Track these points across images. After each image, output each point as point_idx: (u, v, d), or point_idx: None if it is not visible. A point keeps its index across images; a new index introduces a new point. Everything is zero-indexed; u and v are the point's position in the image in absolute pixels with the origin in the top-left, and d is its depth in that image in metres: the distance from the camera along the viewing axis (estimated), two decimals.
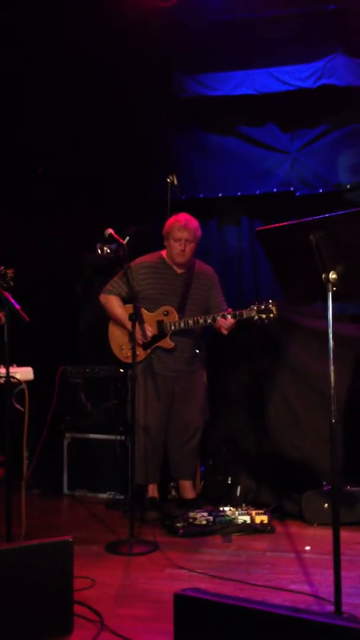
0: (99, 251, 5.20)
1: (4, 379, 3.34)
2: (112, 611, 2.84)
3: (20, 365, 3.58)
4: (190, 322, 4.18)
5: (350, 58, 5.07)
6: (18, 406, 3.47)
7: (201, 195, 5.63)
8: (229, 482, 4.42)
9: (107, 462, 4.77)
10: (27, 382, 3.56)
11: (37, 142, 5.45)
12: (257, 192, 5.51)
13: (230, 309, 4.14)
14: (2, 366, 3.38)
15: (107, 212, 5.33)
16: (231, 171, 5.58)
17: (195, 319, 4.16)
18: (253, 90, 5.31)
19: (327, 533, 3.61)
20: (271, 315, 4.00)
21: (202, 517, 3.94)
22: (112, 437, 4.78)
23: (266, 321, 4.03)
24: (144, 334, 3.99)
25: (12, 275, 3.27)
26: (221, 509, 4.01)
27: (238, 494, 4.36)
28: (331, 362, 2.71)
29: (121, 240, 3.89)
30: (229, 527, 3.91)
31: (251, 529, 3.91)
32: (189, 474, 4.44)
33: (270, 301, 4.03)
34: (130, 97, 5.51)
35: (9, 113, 5.21)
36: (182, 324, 4.20)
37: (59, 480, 4.92)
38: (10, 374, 3.35)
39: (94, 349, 4.94)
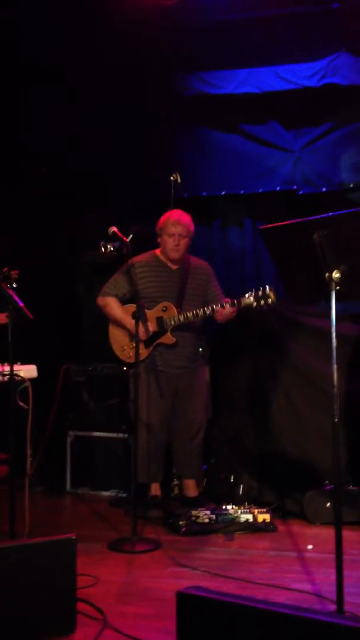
0: (103, 249, 5.20)
1: (8, 376, 3.35)
2: (114, 609, 2.85)
3: (24, 363, 3.58)
4: (190, 315, 4.18)
5: (354, 57, 5.07)
6: (22, 404, 3.47)
7: (204, 194, 5.63)
8: (232, 480, 4.42)
9: (110, 460, 4.78)
10: (31, 380, 3.56)
11: (39, 141, 5.46)
12: (260, 191, 5.51)
13: (228, 299, 4.14)
14: (6, 364, 3.39)
15: (108, 211, 5.33)
16: (234, 169, 5.58)
17: (195, 311, 4.17)
18: (256, 88, 5.31)
19: (329, 532, 3.61)
20: (269, 300, 3.99)
21: (204, 515, 3.95)
22: (115, 435, 4.79)
23: (265, 307, 4.01)
24: (146, 331, 4.00)
25: (16, 276, 3.28)
26: (223, 507, 4.01)
27: (240, 492, 4.36)
28: (334, 361, 2.71)
29: (125, 238, 3.89)
30: (232, 526, 3.92)
31: (253, 527, 3.92)
32: (194, 472, 4.44)
33: (267, 287, 4.02)
34: (132, 95, 5.51)
35: (10, 112, 5.21)
36: (181, 318, 4.20)
37: (62, 478, 4.93)
38: (14, 372, 3.36)
39: (97, 347, 4.94)
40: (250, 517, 3.94)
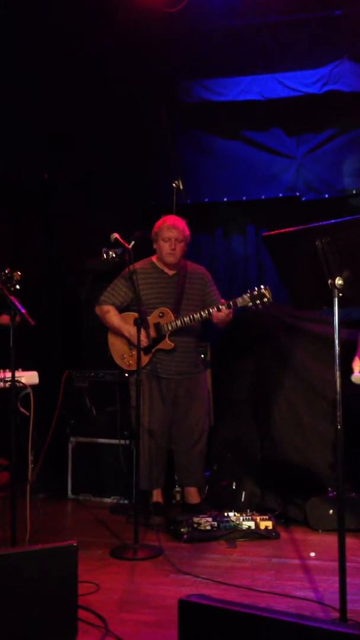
0: (105, 256, 5.20)
1: (9, 383, 3.35)
2: (116, 616, 2.84)
3: (25, 369, 3.58)
4: (187, 319, 4.18)
5: (356, 64, 5.08)
6: (23, 410, 3.47)
7: (206, 200, 5.63)
8: (234, 487, 4.41)
9: (112, 467, 4.76)
10: (33, 386, 3.56)
11: (39, 142, 5.46)
12: (263, 197, 5.51)
13: (224, 300, 4.13)
14: (7, 370, 3.38)
15: (110, 217, 5.34)
16: (236, 176, 5.59)
17: (191, 315, 4.16)
18: (259, 95, 5.32)
19: (332, 539, 3.60)
20: (265, 299, 3.99)
21: (206, 522, 3.94)
22: (116, 441, 4.78)
23: (261, 306, 4.02)
24: (147, 337, 4.00)
25: (18, 278, 3.27)
26: (225, 514, 4.00)
27: (243, 499, 4.35)
28: (337, 367, 2.70)
29: (127, 245, 3.90)
30: (234, 533, 3.90)
31: (256, 534, 3.90)
32: (196, 480, 4.42)
33: (262, 286, 4.02)
34: (134, 102, 5.52)
35: (10, 112, 5.22)
36: (178, 323, 4.20)
37: (63, 485, 4.92)
38: (16, 378, 3.36)
39: (99, 353, 4.93)
40: (252, 524, 3.93)
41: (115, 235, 3.89)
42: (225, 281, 5.48)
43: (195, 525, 3.93)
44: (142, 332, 3.86)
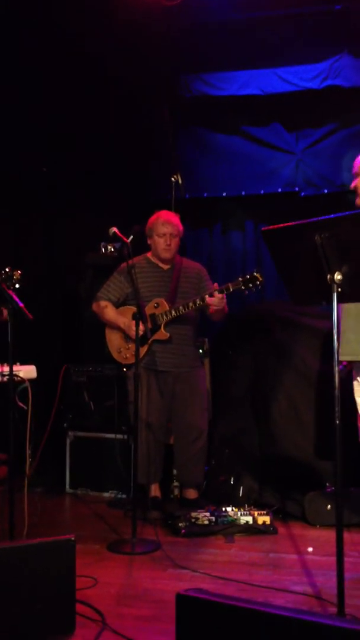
0: (103, 250, 5.20)
1: (7, 377, 3.34)
2: (113, 610, 2.84)
3: (23, 363, 3.58)
4: (181, 308, 4.18)
5: (356, 59, 5.07)
6: (21, 404, 3.47)
7: (205, 195, 5.63)
8: (232, 482, 4.41)
9: (110, 461, 4.76)
10: (31, 381, 3.56)
11: (39, 142, 5.46)
12: (262, 192, 5.51)
13: (215, 284, 4.11)
14: (5, 364, 3.38)
15: (109, 212, 5.34)
16: (236, 171, 5.58)
17: (185, 303, 4.16)
18: (258, 90, 5.31)
19: (330, 534, 3.61)
20: (257, 282, 3.97)
21: (204, 517, 3.94)
22: (114, 436, 4.78)
23: (254, 289, 4.00)
24: (145, 328, 4.01)
25: (18, 276, 3.27)
26: (223, 509, 4.00)
27: (241, 494, 4.35)
28: (336, 363, 2.70)
29: (125, 239, 3.89)
30: (231, 528, 3.90)
31: (253, 529, 3.91)
32: (195, 479, 4.40)
33: (254, 270, 4.01)
34: (133, 96, 5.51)
35: (10, 112, 5.21)
36: (173, 313, 4.20)
37: (61, 479, 4.92)
38: (14, 372, 3.35)
39: (97, 347, 4.93)
40: (250, 519, 3.93)
41: (114, 229, 3.88)
42: (223, 275, 5.47)
43: (193, 520, 3.93)
44: (132, 325, 3.86)
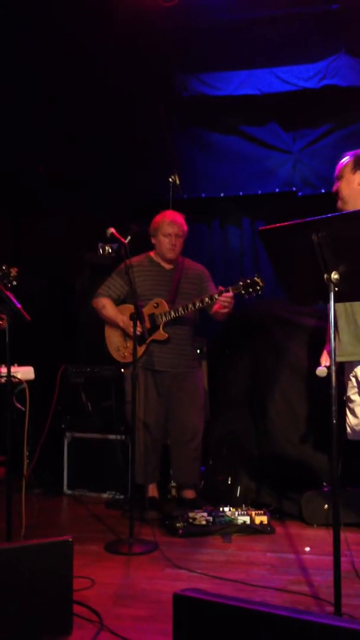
0: (101, 250, 5.20)
1: (5, 378, 3.34)
2: (111, 611, 2.83)
3: (21, 364, 3.58)
4: (181, 309, 4.18)
5: (354, 58, 5.06)
6: (19, 405, 3.47)
7: (203, 195, 5.63)
8: (229, 482, 4.41)
9: (107, 462, 4.76)
10: (28, 382, 3.56)
11: (37, 141, 5.45)
12: (259, 192, 5.51)
13: (220, 287, 4.11)
14: (3, 365, 3.38)
15: (107, 211, 5.33)
16: (233, 171, 5.58)
17: (185, 305, 4.16)
18: (256, 90, 5.30)
19: (327, 534, 3.61)
20: (257, 287, 3.98)
21: (201, 517, 3.94)
22: (112, 436, 4.78)
23: (254, 295, 4.01)
24: (143, 330, 4.01)
25: (15, 274, 3.26)
26: (221, 509, 4.00)
27: (238, 494, 4.35)
28: (333, 362, 2.70)
29: (123, 240, 3.89)
30: (229, 528, 3.91)
31: (251, 529, 3.91)
32: (192, 480, 4.41)
33: (255, 275, 4.02)
34: (131, 96, 5.50)
35: (9, 111, 5.21)
36: (172, 314, 4.20)
37: (59, 480, 4.91)
38: (12, 374, 3.35)
39: (95, 348, 4.93)
40: (247, 518, 3.93)
41: (112, 230, 3.88)
42: (221, 276, 5.47)
43: (190, 520, 3.93)
44: (138, 324, 3.86)
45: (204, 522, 3.92)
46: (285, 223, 2.77)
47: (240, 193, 5.57)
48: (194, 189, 5.58)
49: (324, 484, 4.12)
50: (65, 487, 4.90)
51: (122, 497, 4.63)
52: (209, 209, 5.72)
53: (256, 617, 1.99)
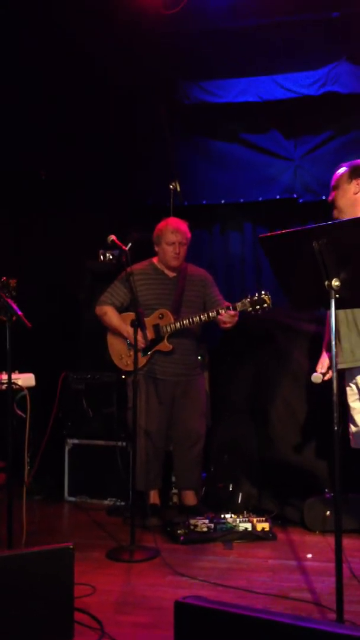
0: (102, 257, 5.21)
1: (6, 385, 3.34)
2: (112, 618, 2.83)
3: (22, 371, 3.58)
4: (186, 322, 4.18)
5: (355, 65, 5.07)
6: (20, 412, 3.47)
7: (204, 202, 5.64)
8: (231, 489, 4.40)
9: (109, 469, 4.75)
10: (29, 388, 3.56)
11: (38, 148, 5.47)
12: (260, 199, 5.52)
13: (227, 303, 4.13)
14: (4, 372, 3.38)
15: (107, 217, 5.34)
16: (234, 178, 5.59)
17: (191, 318, 4.17)
18: (256, 97, 5.31)
19: (329, 540, 3.61)
20: (265, 305, 4.00)
21: (203, 524, 3.93)
22: (113, 443, 4.77)
23: (260, 312, 4.02)
24: (144, 338, 4.01)
25: (14, 285, 3.28)
26: (222, 516, 3.99)
27: (239, 500, 4.34)
28: (334, 368, 2.70)
29: (123, 247, 3.89)
30: (230, 534, 3.90)
31: (252, 536, 3.90)
32: (193, 483, 4.42)
33: (262, 292, 4.03)
34: (131, 98, 5.52)
35: (9, 112, 5.22)
36: (177, 325, 4.20)
37: (60, 486, 4.91)
38: (12, 380, 3.35)
39: (96, 355, 4.94)
40: (249, 525, 3.92)
41: (112, 237, 3.88)
42: (222, 282, 5.47)
43: (192, 527, 3.92)
44: (139, 333, 3.86)
45: (205, 529, 3.92)
46: (286, 230, 2.78)
47: (241, 200, 5.58)
48: (195, 196, 5.59)
49: (326, 490, 4.12)
50: (66, 494, 4.89)
51: (123, 503, 4.62)
52: (210, 216, 5.73)
53: (258, 624, 1.98)
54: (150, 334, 4.22)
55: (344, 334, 3.38)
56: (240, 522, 3.94)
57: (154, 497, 4.38)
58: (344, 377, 3.51)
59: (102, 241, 4.08)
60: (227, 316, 4.07)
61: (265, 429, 4.48)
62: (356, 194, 3.44)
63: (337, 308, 2.67)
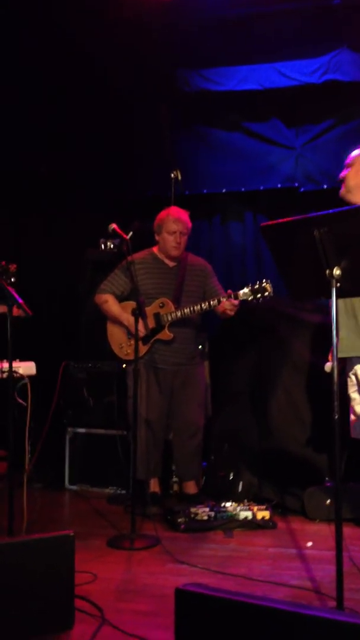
0: (102, 246, 5.20)
1: (6, 373, 3.34)
2: (113, 606, 2.84)
3: (23, 359, 3.58)
4: (187, 310, 4.18)
5: (356, 53, 5.04)
6: (20, 401, 3.47)
7: (205, 191, 5.61)
8: (231, 477, 4.42)
9: (109, 457, 4.77)
10: (30, 377, 3.56)
11: (38, 138, 5.45)
12: (261, 188, 5.50)
13: (229, 290, 4.12)
14: (5, 361, 3.38)
15: (108, 207, 5.33)
16: (235, 167, 5.56)
17: (191, 307, 4.16)
18: (258, 85, 5.28)
19: (329, 529, 3.62)
20: (265, 293, 3.99)
21: (203, 512, 3.94)
22: (114, 432, 4.78)
23: (261, 300, 4.02)
24: (145, 327, 4.01)
25: (14, 270, 3.26)
26: (223, 504, 4.01)
27: (240, 489, 4.36)
28: (335, 357, 2.70)
29: (124, 236, 3.88)
30: (231, 523, 3.91)
31: (253, 524, 3.91)
32: (193, 473, 4.43)
33: (264, 280, 4.02)
34: (132, 92, 5.49)
35: (10, 110, 5.21)
36: (178, 314, 4.20)
37: (60, 475, 4.93)
38: (13, 369, 3.35)
39: (97, 344, 4.94)
40: (249, 514, 3.93)
41: (113, 225, 3.87)
42: (223, 271, 5.47)
43: (192, 515, 3.93)
44: (140, 322, 3.86)
45: (205, 518, 3.93)
46: (287, 219, 2.77)
47: (242, 189, 5.56)
48: (196, 185, 5.56)
49: (326, 479, 4.13)
50: (67, 482, 4.91)
51: (124, 492, 4.64)
52: (211, 205, 5.71)
53: (258, 612, 1.99)
54: (150, 323, 4.22)
55: (343, 322, 3.37)
56: (240, 510, 3.95)
57: (154, 485, 4.39)
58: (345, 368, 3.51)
59: (102, 232, 4.07)
60: (228, 304, 4.06)
61: (266, 418, 4.49)
62: None
63: (338, 297, 2.67)
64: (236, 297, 4.05)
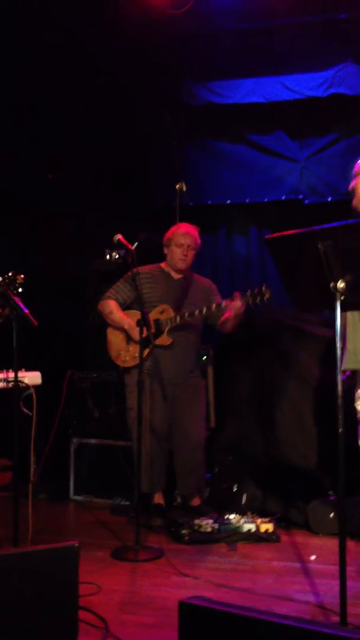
0: (108, 257, 5.21)
1: (12, 383, 3.35)
2: (117, 618, 2.84)
3: (28, 369, 3.59)
4: (186, 315, 4.19)
5: None
6: (26, 411, 3.48)
7: (210, 202, 5.64)
8: (235, 489, 4.41)
9: (114, 468, 4.77)
10: (35, 387, 3.57)
11: (45, 148, 5.48)
12: (266, 200, 5.52)
13: (234, 296, 4.14)
14: (10, 370, 3.39)
15: (113, 218, 5.36)
16: (240, 179, 5.60)
17: (191, 311, 4.18)
18: (263, 98, 5.33)
19: (333, 543, 3.60)
20: (265, 298, 4.01)
21: (207, 524, 3.93)
22: (118, 442, 4.78)
23: (259, 302, 4.04)
24: (149, 334, 4.02)
25: (21, 281, 3.28)
26: (226, 516, 4.00)
27: (244, 501, 4.34)
28: (339, 370, 2.70)
29: (130, 246, 3.90)
30: (234, 535, 3.90)
31: (256, 537, 3.90)
32: (196, 489, 4.40)
33: (263, 285, 4.05)
34: (138, 103, 5.53)
35: (17, 119, 5.24)
36: (178, 319, 4.21)
37: (65, 485, 4.92)
38: (19, 379, 3.36)
39: (102, 354, 4.93)
40: (253, 526, 3.92)
41: (119, 236, 3.89)
42: (227, 283, 5.48)
43: (196, 527, 3.93)
44: (137, 331, 3.87)
45: (209, 530, 3.92)
46: (292, 231, 2.78)
47: (247, 200, 5.58)
48: (201, 197, 5.60)
49: (330, 492, 4.11)
50: (71, 493, 4.91)
51: (128, 503, 4.63)
52: (215, 217, 5.74)
53: (262, 626, 1.99)
54: (151, 329, 4.22)
55: (350, 335, 3.37)
56: (244, 523, 3.94)
57: (158, 497, 4.38)
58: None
59: (107, 242, 4.09)
60: (233, 306, 4.08)
61: (271, 431, 4.49)
62: None
63: (342, 310, 2.67)
64: (236, 300, 4.08)
